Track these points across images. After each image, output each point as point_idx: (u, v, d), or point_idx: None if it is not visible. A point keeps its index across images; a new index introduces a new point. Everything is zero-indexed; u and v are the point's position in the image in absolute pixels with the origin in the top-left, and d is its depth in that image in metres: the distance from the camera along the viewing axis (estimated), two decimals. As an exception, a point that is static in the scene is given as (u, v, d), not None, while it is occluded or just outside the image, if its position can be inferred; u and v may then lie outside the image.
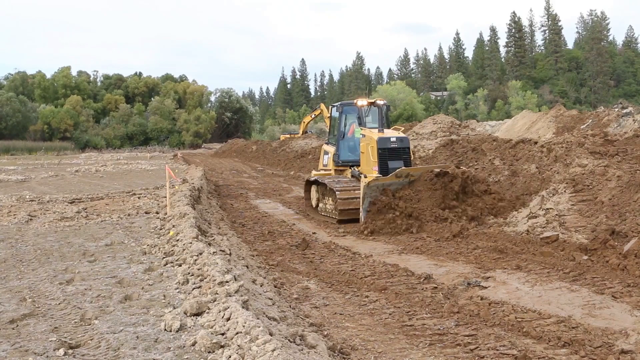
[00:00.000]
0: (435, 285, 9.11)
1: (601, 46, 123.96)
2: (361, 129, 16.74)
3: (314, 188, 17.88)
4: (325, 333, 6.99)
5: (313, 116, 60.08)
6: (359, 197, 14.55)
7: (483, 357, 6.21)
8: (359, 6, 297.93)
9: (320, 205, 17.23)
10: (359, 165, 16.60)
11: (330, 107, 18.93)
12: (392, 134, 16.18)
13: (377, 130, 16.42)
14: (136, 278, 8.42)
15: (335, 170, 17.93)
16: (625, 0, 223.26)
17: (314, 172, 19.19)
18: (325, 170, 18.60)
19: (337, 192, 15.33)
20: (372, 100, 18.06)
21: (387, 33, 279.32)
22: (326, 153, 18.73)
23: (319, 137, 54.00)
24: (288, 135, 59.97)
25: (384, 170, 15.23)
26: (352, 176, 16.68)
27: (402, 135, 16.46)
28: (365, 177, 15.02)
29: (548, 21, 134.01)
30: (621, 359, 5.99)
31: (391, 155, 15.61)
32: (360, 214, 14.23)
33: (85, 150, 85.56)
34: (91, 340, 5.87)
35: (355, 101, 17.74)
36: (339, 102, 18.53)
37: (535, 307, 7.81)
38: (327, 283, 9.58)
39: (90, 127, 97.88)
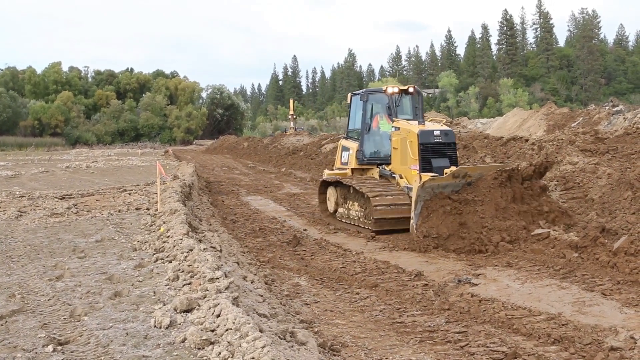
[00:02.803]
0: (426, 283, 9.12)
1: (592, 44, 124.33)
2: (394, 121, 14.28)
3: (331, 191, 15.59)
4: (316, 330, 6.98)
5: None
6: (399, 204, 12.87)
7: (473, 354, 6.22)
8: (351, 3, 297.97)
9: (341, 210, 15.09)
10: (389, 164, 14.38)
11: (350, 95, 16.44)
12: (434, 126, 13.74)
13: (414, 122, 13.98)
14: (126, 274, 8.39)
15: (354, 169, 15.52)
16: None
17: (327, 171, 16.72)
18: (340, 169, 16.16)
19: (372, 199, 13.02)
20: (404, 87, 15.31)
21: (379, 30, 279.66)
22: (345, 149, 16.04)
23: (311, 134, 54.08)
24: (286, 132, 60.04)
25: (426, 169, 12.83)
26: (381, 176, 14.55)
27: (446, 127, 13.94)
28: (401, 177, 13.51)
29: (540, 19, 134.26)
30: (610, 356, 6.00)
31: (435, 151, 13.15)
32: (412, 220, 11.82)
33: (76, 146, 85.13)
34: (80, 336, 5.85)
35: (384, 88, 15.06)
36: (363, 90, 16.02)
37: (526, 304, 7.83)
38: (317, 280, 9.58)
39: (81, 123, 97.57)
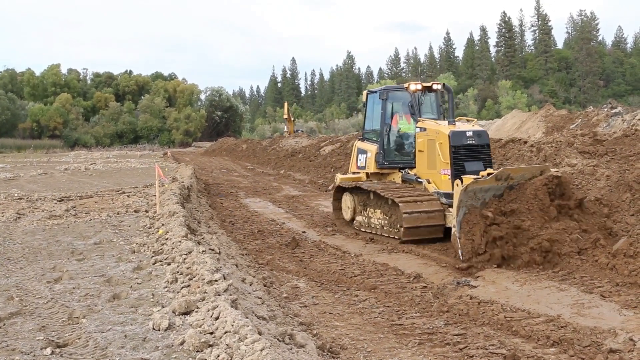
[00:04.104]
0: (425, 285, 9.12)
1: (590, 46, 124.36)
2: (419, 121, 13.22)
3: (348, 197, 14.57)
4: (315, 332, 6.98)
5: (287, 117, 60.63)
6: (432, 211, 11.90)
7: (472, 356, 6.22)
8: (350, 4, 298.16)
9: (360, 218, 14.09)
10: (412, 167, 13.36)
11: (366, 93, 15.34)
12: (466, 126, 12.63)
13: (443, 122, 12.97)
14: (125, 277, 8.38)
15: (372, 173, 14.55)
16: (614, 0, 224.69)
17: (339, 175, 15.69)
18: (354, 173, 15.25)
19: (400, 205, 11.97)
20: (428, 84, 14.16)
21: (377, 32, 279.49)
22: (362, 152, 14.93)
23: (309, 136, 54.04)
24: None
25: (458, 173, 11.65)
26: (403, 181, 13.59)
27: (479, 128, 12.80)
28: (429, 182, 12.59)
29: (538, 21, 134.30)
30: (609, 358, 6.01)
31: (467, 154, 12.05)
32: (454, 229, 10.62)
33: (75, 148, 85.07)
34: (79, 339, 5.84)
35: (406, 85, 13.91)
36: (382, 87, 14.76)
37: (525, 306, 7.83)
38: (316, 282, 9.57)
39: (80, 125, 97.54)
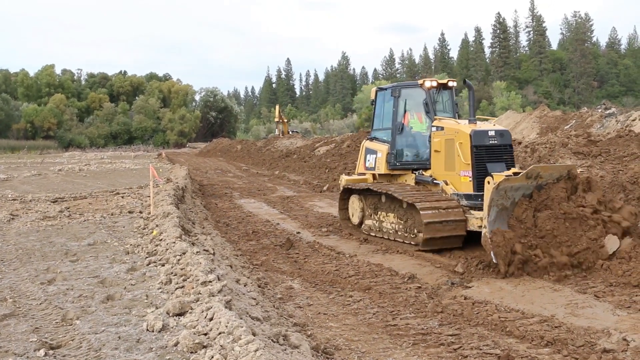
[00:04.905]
0: (419, 285, 9.12)
1: (585, 47, 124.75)
2: (435, 119, 12.55)
3: (356, 199, 13.97)
4: (309, 333, 6.98)
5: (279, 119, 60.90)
6: (455, 220, 11.17)
7: (466, 357, 6.22)
8: (344, 6, 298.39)
9: (369, 222, 13.43)
10: (427, 168, 12.66)
11: (375, 90, 14.62)
12: (488, 126, 12.03)
13: (463, 121, 12.28)
14: (119, 278, 8.36)
15: (382, 175, 13.86)
16: (608, 2, 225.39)
17: (345, 177, 15.20)
18: (361, 174, 14.65)
19: (422, 213, 11.15)
20: (444, 82, 13.44)
21: (372, 33, 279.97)
22: (371, 152, 14.23)
23: (304, 137, 54.07)
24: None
25: (481, 175, 11.08)
26: (417, 183, 12.86)
27: (501, 127, 12.15)
28: (446, 183, 11.91)
29: (532, 22, 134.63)
30: (603, 358, 6.02)
31: (490, 155, 11.41)
32: (484, 230, 9.75)
33: (69, 149, 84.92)
34: (72, 340, 5.82)
35: (421, 82, 13.19)
36: (393, 84, 14.18)
37: (519, 307, 7.85)
38: (311, 283, 9.57)
39: (74, 126, 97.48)
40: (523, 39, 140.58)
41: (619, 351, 6.16)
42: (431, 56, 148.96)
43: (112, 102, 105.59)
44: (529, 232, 9.71)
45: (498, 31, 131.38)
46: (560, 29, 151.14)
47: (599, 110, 34.23)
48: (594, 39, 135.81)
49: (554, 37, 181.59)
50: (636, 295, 8.13)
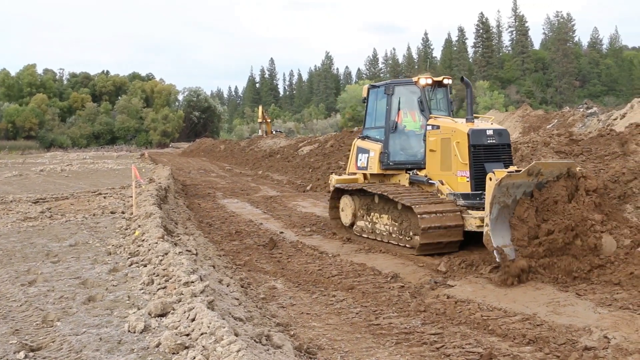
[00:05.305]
0: (402, 284, 9.15)
1: (567, 47, 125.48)
2: (430, 118, 12.29)
3: (347, 199, 13.55)
4: (292, 333, 6.97)
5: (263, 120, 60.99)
6: (453, 226, 10.78)
7: (449, 356, 6.24)
8: (328, 5, 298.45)
9: (361, 224, 13.07)
10: (421, 168, 12.39)
11: (367, 88, 14.30)
12: (485, 124, 11.79)
13: (460, 119, 12.09)
14: (100, 279, 8.30)
15: (374, 175, 13.57)
16: (590, 2, 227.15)
17: (335, 176, 14.81)
18: (351, 174, 14.35)
19: (419, 216, 10.75)
20: (439, 79, 13.27)
21: (356, 33, 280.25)
22: (363, 151, 13.86)
23: (288, 137, 54.03)
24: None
25: (479, 175, 10.92)
26: (411, 183, 12.60)
27: (499, 126, 11.96)
28: (442, 183, 11.66)
29: (515, 22, 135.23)
30: (584, 356, 6.06)
31: (488, 154, 11.16)
32: (486, 228, 9.43)
33: (51, 149, 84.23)
34: (53, 342, 5.77)
35: (415, 79, 12.91)
36: (387, 81, 13.76)
37: (501, 305, 7.88)
38: (294, 282, 9.56)
39: (56, 126, 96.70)
40: (506, 39, 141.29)
41: (600, 349, 6.21)
42: (415, 56, 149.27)
43: (94, 102, 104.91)
44: (531, 233, 9.35)
45: (481, 31, 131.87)
46: (543, 28, 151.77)
47: (581, 110, 34.54)
48: (576, 38, 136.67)
49: (537, 37, 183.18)
50: (617, 293, 8.19)
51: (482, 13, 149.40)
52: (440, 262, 10.22)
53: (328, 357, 6.28)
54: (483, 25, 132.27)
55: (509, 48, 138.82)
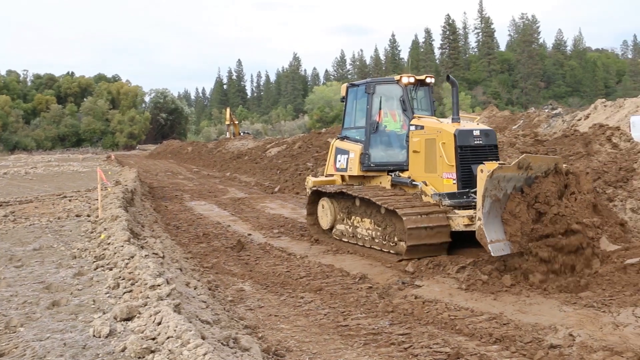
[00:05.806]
0: (370, 285, 9.17)
1: (532, 49, 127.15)
2: (413, 118, 11.87)
3: (326, 202, 13.11)
4: (260, 335, 6.95)
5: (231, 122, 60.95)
6: (438, 226, 10.38)
7: (417, 356, 6.27)
8: (296, 7, 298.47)
9: (341, 227, 12.72)
10: (403, 170, 12.03)
11: (346, 86, 13.87)
12: (472, 125, 11.47)
13: (446, 119, 11.77)
14: (65, 283, 8.18)
15: (353, 176, 13.11)
16: (555, 4, 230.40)
17: (311, 178, 14.39)
18: (329, 175, 14.01)
19: (404, 219, 10.27)
20: (422, 77, 12.76)
21: (323, 34, 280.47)
22: (342, 152, 13.35)
23: (255, 138, 53.90)
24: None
25: (466, 177, 10.69)
26: (393, 185, 12.19)
27: (486, 127, 11.70)
28: (426, 184, 11.29)
29: (481, 24, 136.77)
30: (550, 354, 6.12)
31: (474, 155, 10.76)
32: (479, 222, 9.00)
33: (15, 151, 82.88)
34: (16, 348, 5.66)
35: (397, 78, 12.48)
36: (367, 80, 13.28)
37: (468, 305, 7.94)
38: (262, 285, 9.53)
39: (20, 128, 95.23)
40: (472, 41, 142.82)
41: (565, 346, 6.28)
42: (382, 57, 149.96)
43: (59, 103, 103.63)
44: (524, 228, 9.15)
45: (447, 32, 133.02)
46: (508, 30, 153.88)
47: (546, 111, 35.01)
48: (541, 40, 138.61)
49: (502, 39, 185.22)
50: (582, 292, 8.29)
51: (448, 15, 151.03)
52: (408, 262, 10.25)
53: (296, 359, 6.27)
54: (449, 27, 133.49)
55: (475, 50, 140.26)
